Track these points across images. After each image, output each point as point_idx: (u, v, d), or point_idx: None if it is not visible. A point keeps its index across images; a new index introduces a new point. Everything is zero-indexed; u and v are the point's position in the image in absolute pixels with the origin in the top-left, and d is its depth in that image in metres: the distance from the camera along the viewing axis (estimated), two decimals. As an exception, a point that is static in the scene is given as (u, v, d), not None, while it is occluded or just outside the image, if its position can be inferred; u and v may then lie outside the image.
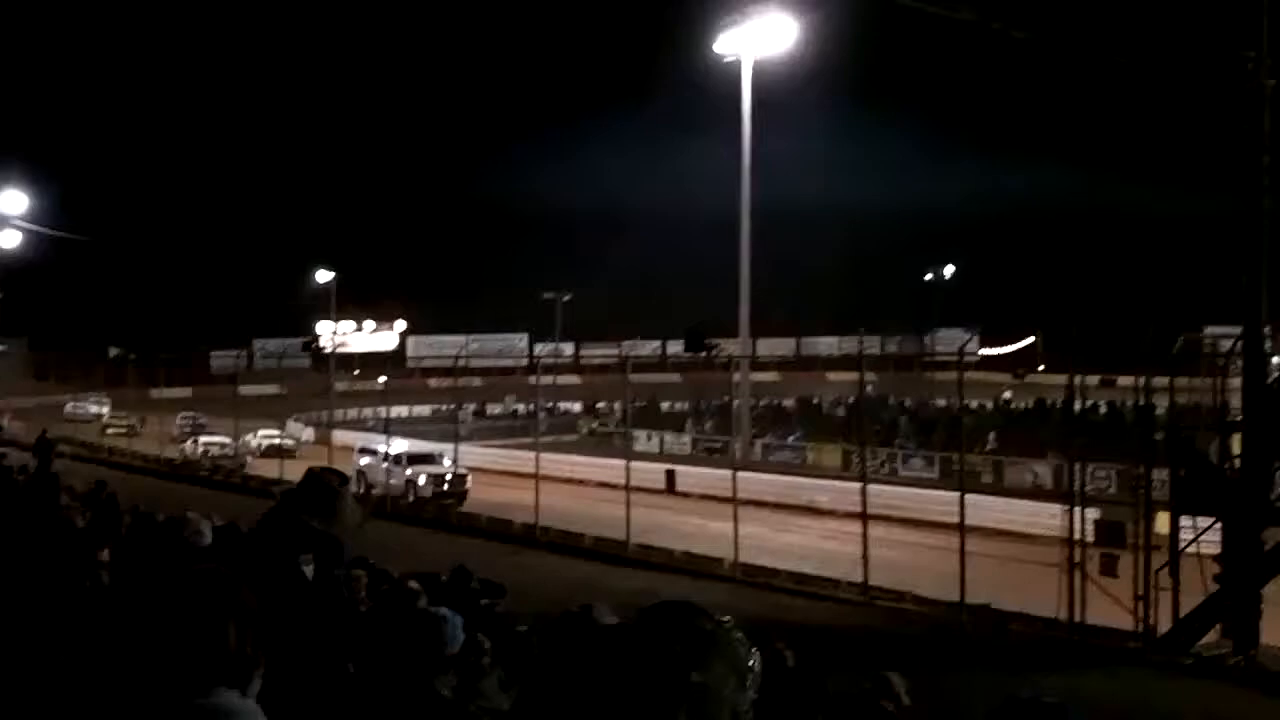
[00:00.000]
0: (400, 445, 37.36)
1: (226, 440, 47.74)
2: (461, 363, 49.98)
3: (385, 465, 35.37)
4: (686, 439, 54.25)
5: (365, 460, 36.58)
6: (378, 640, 5.07)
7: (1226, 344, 18.70)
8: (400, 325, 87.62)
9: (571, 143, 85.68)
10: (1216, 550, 17.04)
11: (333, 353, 68.02)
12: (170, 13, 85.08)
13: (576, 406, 68.73)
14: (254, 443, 48.32)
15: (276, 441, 47.95)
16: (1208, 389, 18.21)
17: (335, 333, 75.90)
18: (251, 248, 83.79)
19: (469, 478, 35.21)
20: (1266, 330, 18.56)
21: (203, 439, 48.98)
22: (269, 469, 38.86)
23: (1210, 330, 23.65)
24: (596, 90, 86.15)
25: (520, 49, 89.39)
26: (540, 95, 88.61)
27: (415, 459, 35.62)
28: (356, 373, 73.28)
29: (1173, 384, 18.25)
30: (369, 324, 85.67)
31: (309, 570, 3.23)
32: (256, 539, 3.36)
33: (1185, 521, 17.20)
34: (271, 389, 70.13)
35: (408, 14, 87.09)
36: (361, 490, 33.80)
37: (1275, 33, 17.08)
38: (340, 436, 45.81)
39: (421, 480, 34.44)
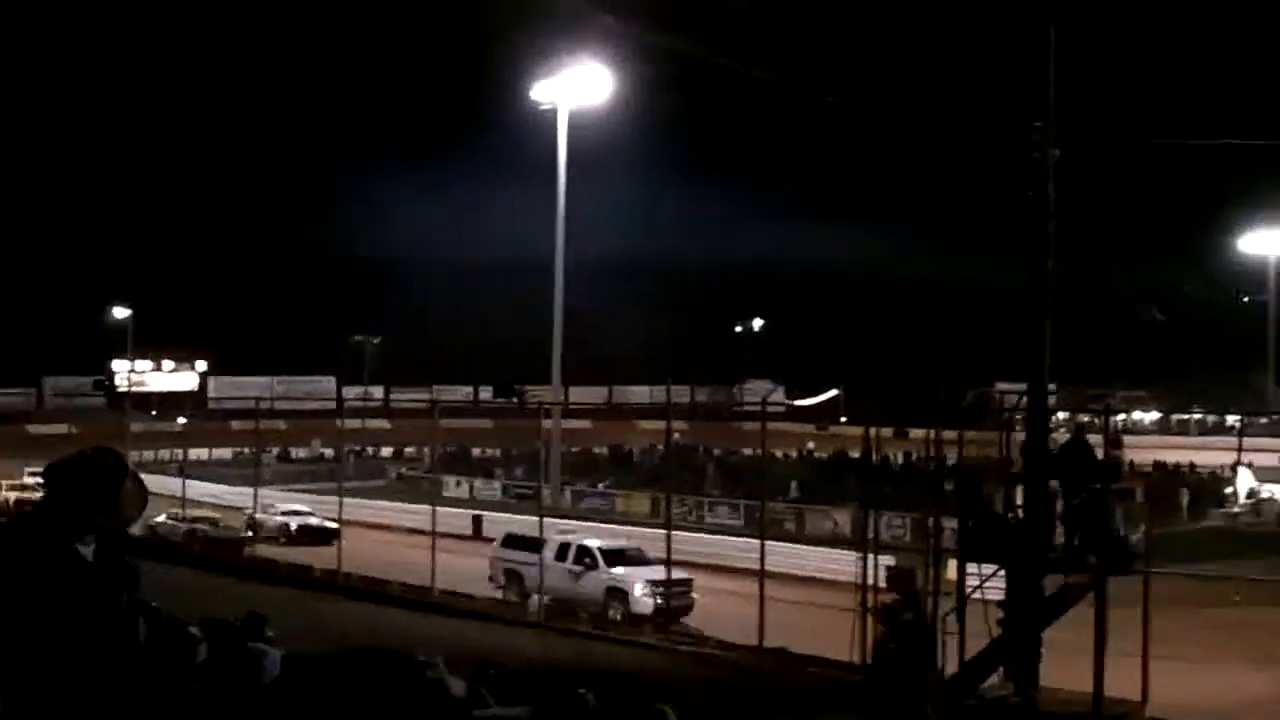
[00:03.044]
0: (580, 537, 27.26)
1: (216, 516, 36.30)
2: (265, 405, 48.64)
3: (567, 566, 25.56)
4: (496, 485, 53.97)
5: (518, 555, 26.77)
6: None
7: (1014, 399, 19.68)
8: (201, 365, 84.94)
9: (384, 185, 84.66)
10: (1000, 596, 17.83)
11: (129, 392, 65.48)
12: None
13: (386, 451, 67.68)
14: (272, 521, 36.14)
15: (310, 520, 36.28)
16: (996, 442, 19.09)
17: (132, 371, 73.10)
18: (42, 281, 79.80)
19: (693, 584, 25.37)
20: (1052, 387, 19.64)
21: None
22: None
23: (1000, 386, 24.87)
24: (409, 134, 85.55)
25: (333, 88, 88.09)
26: (351, 136, 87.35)
27: (615, 557, 25.65)
28: (154, 413, 70.67)
29: (962, 437, 19.09)
30: (168, 363, 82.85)
31: (88, 552, 3.11)
32: (30, 526, 3.20)
33: (972, 568, 17.94)
34: (61, 429, 66.94)
35: (215, 49, 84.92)
36: (514, 596, 26.25)
37: (1060, 105, 18.20)
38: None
39: (638, 590, 24.22)
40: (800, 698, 16.61)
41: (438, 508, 30.50)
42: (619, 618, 23.75)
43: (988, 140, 19.23)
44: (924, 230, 75.16)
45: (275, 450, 61.36)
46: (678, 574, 24.21)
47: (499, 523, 36.67)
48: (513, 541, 27.32)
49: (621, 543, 26.47)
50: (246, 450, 49.20)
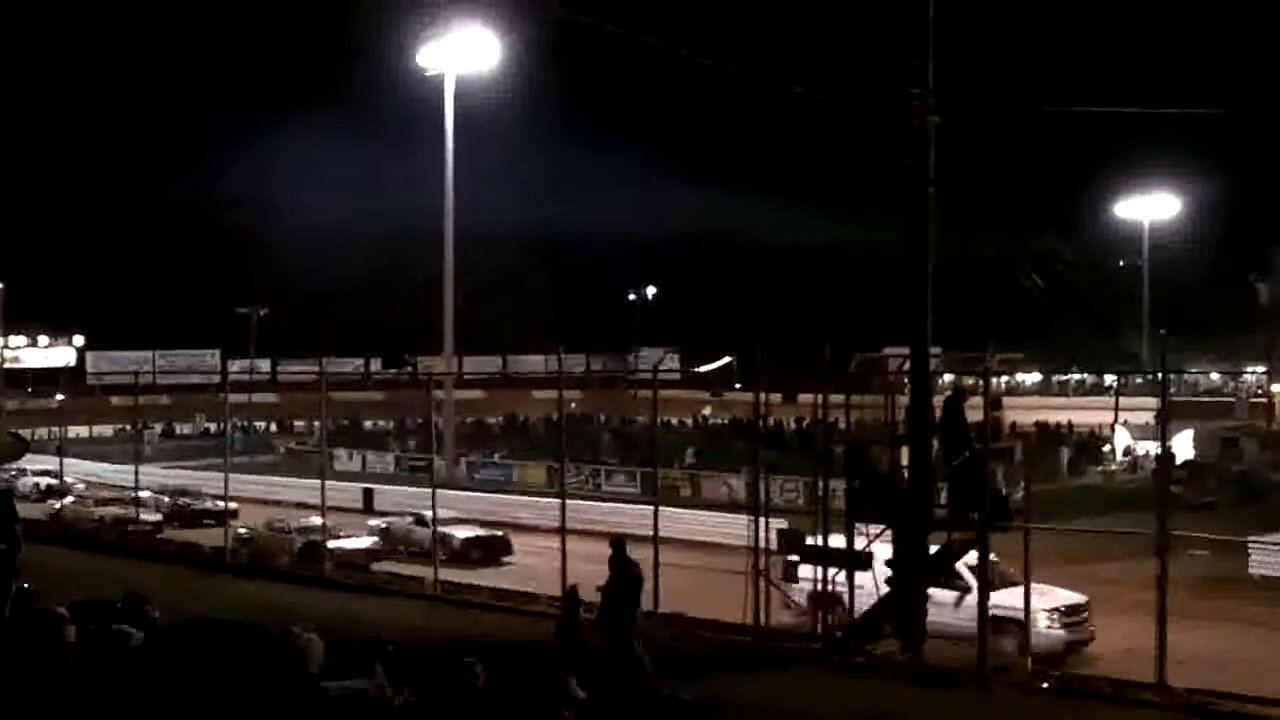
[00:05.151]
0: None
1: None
2: (146, 379, 47.44)
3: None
4: (390, 457, 53.54)
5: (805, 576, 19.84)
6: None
7: (898, 363, 20.01)
8: (78, 340, 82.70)
9: (270, 154, 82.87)
10: (888, 555, 18.19)
11: (1, 369, 63.47)
12: None
13: (274, 426, 66.62)
14: (415, 533, 29.28)
15: (477, 531, 30.57)
16: (883, 405, 19.41)
17: (5, 348, 70.87)
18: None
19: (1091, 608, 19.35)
20: (936, 351, 20.01)
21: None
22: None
23: (888, 351, 25.26)
24: (295, 101, 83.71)
25: (218, 53, 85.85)
26: (236, 103, 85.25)
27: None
28: (30, 390, 68.56)
29: (848, 400, 19.37)
30: (43, 339, 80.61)
31: None
32: None
33: (860, 529, 18.26)
34: (-69, 408, 64.52)
35: (93, 13, 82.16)
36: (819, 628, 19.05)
37: (940, 73, 18.48)
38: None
39: (1043, 622, 18.04)
40: (691, 662, 16.77)
41: (330, 481, 30.19)
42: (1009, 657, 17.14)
43: (871, 108, 19.44)
44: (816, 197, 75.82)
45: (159, 426, 60.06)
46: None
47: (392, 495, 36.37)
48: (816, 555, 18.80)
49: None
50: (128, 427, 47.97)
